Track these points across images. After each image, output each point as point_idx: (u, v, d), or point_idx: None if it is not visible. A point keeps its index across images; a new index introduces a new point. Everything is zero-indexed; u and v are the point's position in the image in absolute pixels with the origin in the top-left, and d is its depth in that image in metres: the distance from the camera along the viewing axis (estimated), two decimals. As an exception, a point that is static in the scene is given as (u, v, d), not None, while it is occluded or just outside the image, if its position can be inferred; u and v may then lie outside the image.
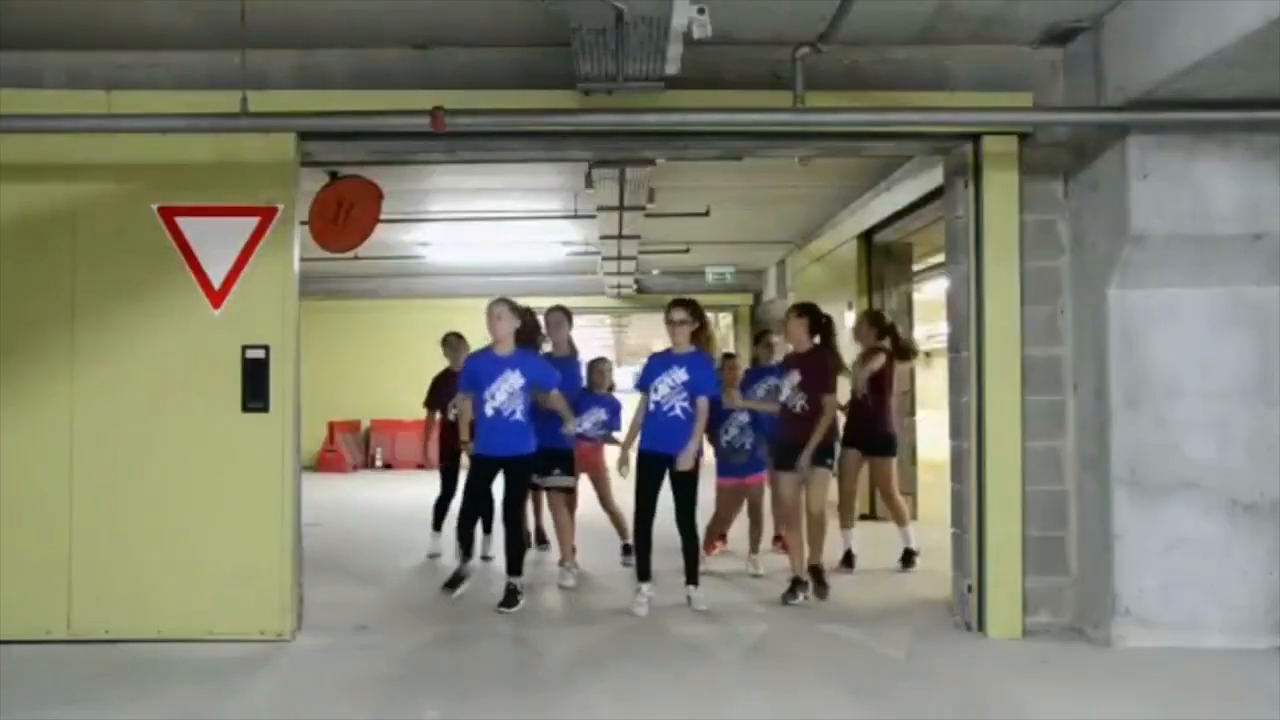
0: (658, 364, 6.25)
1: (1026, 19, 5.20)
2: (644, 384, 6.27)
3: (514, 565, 6.20)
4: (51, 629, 5.33)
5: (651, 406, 6.16)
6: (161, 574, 5.36)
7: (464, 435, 6.40)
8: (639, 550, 6.18)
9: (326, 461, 15.26)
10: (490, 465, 6.15)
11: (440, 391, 7.88)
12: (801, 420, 6.31)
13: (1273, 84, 4.55)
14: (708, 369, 6.24)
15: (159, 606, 5.35)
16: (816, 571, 6.52)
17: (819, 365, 6.42)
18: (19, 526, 5.36)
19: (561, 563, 6.99)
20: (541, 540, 8.02)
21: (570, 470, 6.88)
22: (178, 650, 5.19)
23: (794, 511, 6.47)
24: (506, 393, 6.05)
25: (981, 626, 5.52)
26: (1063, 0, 4.99)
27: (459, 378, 6.63)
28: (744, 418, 7.14)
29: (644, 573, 6.14)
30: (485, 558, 7.55)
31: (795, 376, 6.40)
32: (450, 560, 6.88)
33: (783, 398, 6.48)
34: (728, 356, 8.03)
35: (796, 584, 6.32)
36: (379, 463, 15.77)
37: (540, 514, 7.88)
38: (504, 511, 6.28)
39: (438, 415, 7.91)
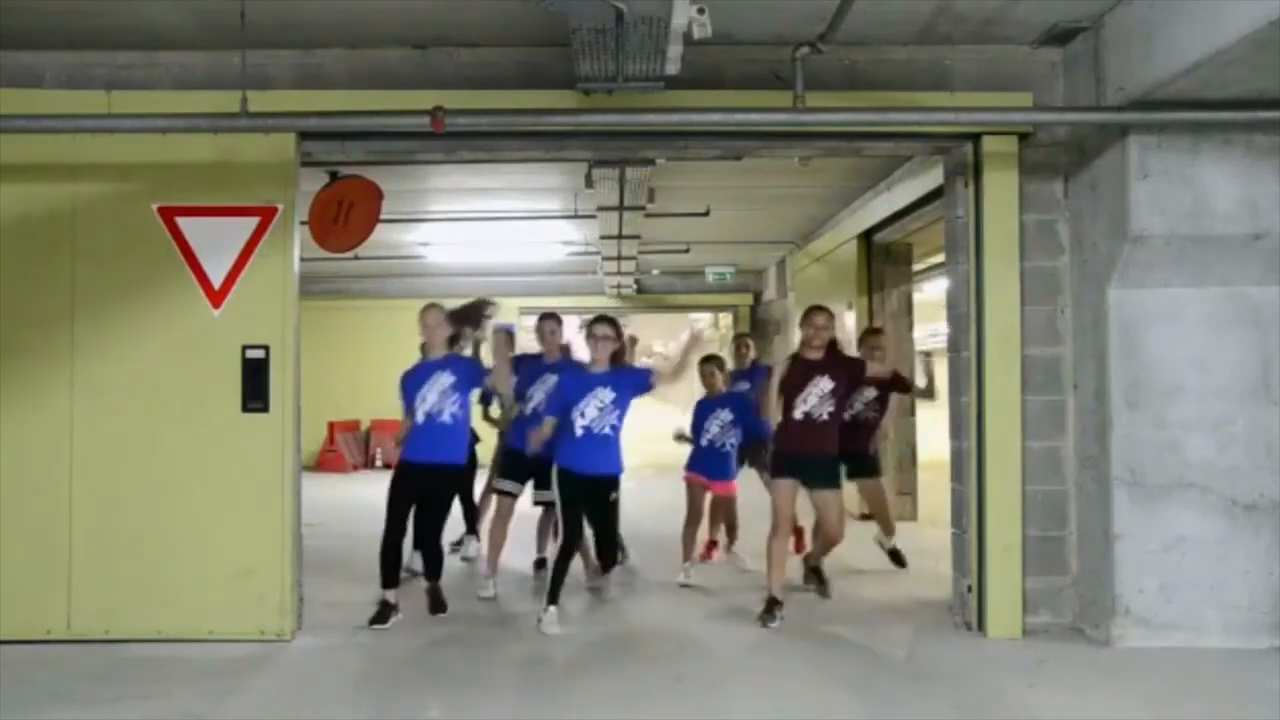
0: (577, 386, 5.70)
1: (1026, 19, 5.20)
2: (561, 407, 5.69)
3: (433, 569, 6.08)
4: (51, 629, 5.33)
5: (580, 431, 5.61)
6: (161, 574, 5.37)
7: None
8: (558, 573, 5.69)
9: (326, 461, 15.24)
10: (413, 472, 5.89)
11: None
12: (823, 429, 5.85)
13: (1273, 84, 4.55)
14: (632, 379, 5.78)
15: (159, 606, 5.35)
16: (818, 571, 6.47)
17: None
18: (19, 526, 5.36)
19: (537, 568, 6.85)
20: (542, 566, 7.30)
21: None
22: (178, 650, 5.19)
23: (787, 522, 5.99)
24: (437, 393, 5.87)
25: (981, 626, 5.52)
26: (1063, 0, 5.00)
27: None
28: (727, 415, 6.90)
29: (555, 595, 5.67)
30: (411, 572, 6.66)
31: (826, 383, 5.85)
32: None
33: (807, 407, 5.84)
34: (710, 359, 7.26)
35: (773, 604, 5.79)
36: (379, 463, 15.75)
37: (546, 540, 7.03)
38: (422, 528, 5.96)
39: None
